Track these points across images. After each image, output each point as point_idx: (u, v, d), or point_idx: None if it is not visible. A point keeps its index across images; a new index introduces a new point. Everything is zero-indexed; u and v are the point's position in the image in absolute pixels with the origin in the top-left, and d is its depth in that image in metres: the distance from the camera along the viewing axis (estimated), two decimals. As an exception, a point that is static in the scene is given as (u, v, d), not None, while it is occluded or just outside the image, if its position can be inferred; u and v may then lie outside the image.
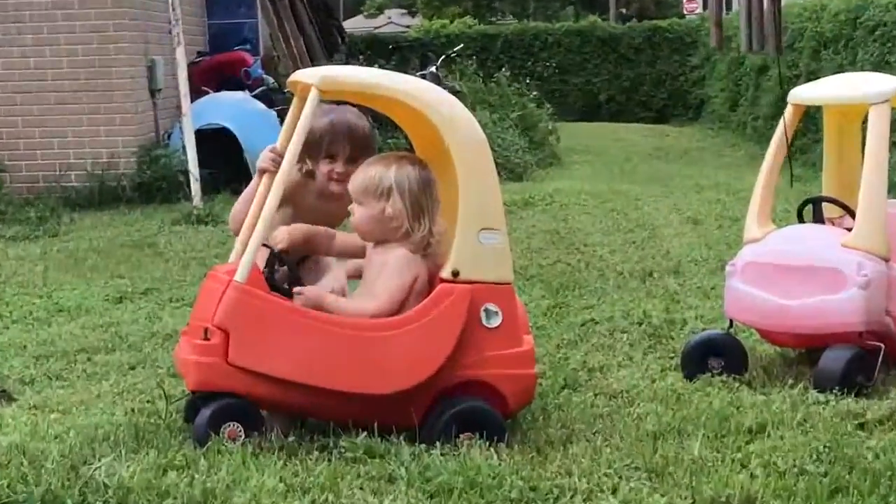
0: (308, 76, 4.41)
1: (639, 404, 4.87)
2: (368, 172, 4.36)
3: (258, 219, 4.28)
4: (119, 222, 10.75)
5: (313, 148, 4.65)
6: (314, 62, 13.26)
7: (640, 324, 6.29)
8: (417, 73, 13.27)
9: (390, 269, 4.31)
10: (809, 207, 5.58)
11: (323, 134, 4.64)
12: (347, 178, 4.51)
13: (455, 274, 4.27)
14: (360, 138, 4.72)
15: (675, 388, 5.09)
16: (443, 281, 4.28)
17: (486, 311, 4.30)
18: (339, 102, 4.80)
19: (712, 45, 15.99)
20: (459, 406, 4.24)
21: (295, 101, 4.52)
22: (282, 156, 4.38)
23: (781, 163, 5.53)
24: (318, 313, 4.25)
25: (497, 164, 4.58)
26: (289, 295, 4.29)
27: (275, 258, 4.37)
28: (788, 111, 5.50)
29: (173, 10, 10.84)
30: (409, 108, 4.37)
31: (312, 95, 4.28)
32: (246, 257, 4.22)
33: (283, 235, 4.39)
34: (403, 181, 4.32)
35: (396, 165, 4.35)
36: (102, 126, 12.17)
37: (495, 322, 4.32)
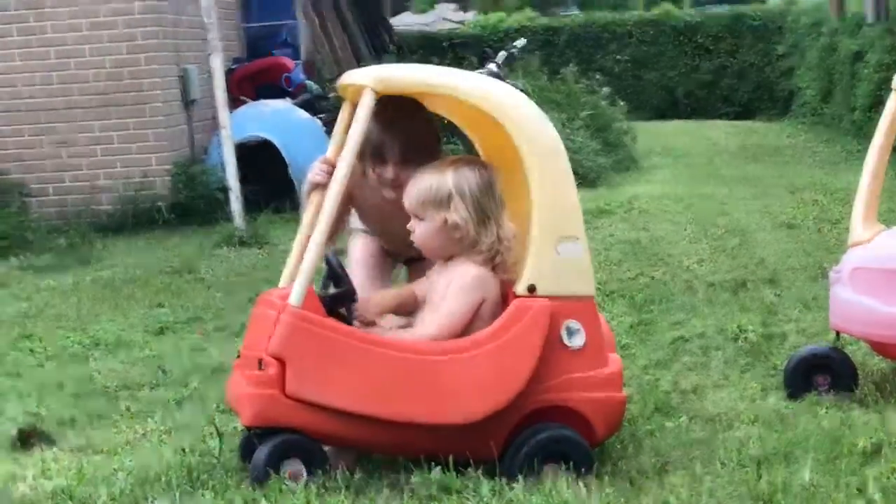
0: (360, 77, 4.44)
1: (739, 428, 4.86)
2: (423, 183, 4.38)
3: (309, 237, 4.32)
4: (155, 247, 10.87)
5: (361, 152, 4.64)
6: (361, 64, 13.35)
7: (736, 340, 6.29)
8: (476, 73, 13.30)
9: (455, 288, 4.33)
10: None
11: (369, 135, 4.46)
12: (401, 183, 4.51)
13: (531, 289, 4.28)
14: (412, 136, 4.60)
15: (778, 408, 5.08)
16: (518, 297, 4.30)
17: (568, 328, 4.31)
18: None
19: (832, 14, 15.65)
20: (542, 434, 4.25)
21: (345, 106, 4.56)
22: (335, 166, 4.41)
23: (887, 157, 5.50)
24: (382, 338, 4.28)
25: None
26: (347, 320, 4.33)
27: (330, 279, 4.40)
28: (892, 100, 5.46)
29: (207, 14, 10.92)
30: (472, 108, 4.39)
31: (366, 97, 4.30)
32: (300, 279, 4.25)
33: (376, 308, 4.44)
34: (463, 185, 4.34)
35: (453, 169, 4.36)
36: (134, 143, 12.26)
37: (578, 341, 4.32)
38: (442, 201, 4.33)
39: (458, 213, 4.31)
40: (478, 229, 4.32)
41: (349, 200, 4.64)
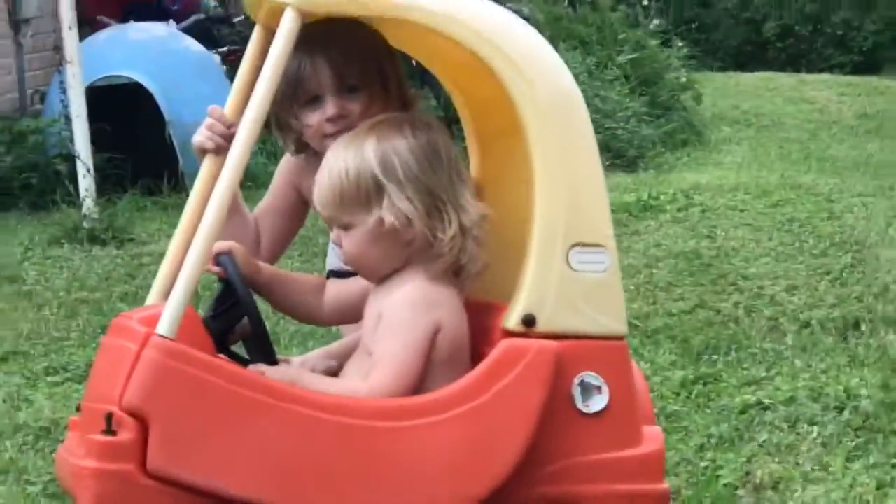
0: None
1: (842, 546, 4.89)
2: (335, 169, 4.33)
3: (192, 233, 4.31)
4: (-41, 242, 10.87)
5: (287, 100, 4.70)
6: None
7: (841, 409, 6.32)
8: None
9: (388, 321, 4.30)
10: None
11: (289, 72, 4.53)
12: (347, 113, 4.65)
13: (528, 321, 4.27)
14: (350, 51, 4.69)
15: (903, 517, 5.11)
16: (507, 334, 4.29)
17: (583, 384, 4.31)
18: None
19: None
20: (539, 545, 4.27)
21: (257, 32, 4.55)
22: (233, 126, 4.41)
23: None
24: (301, 391, 4.27)
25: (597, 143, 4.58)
26: (246, 358, 4.33)
27: (227, 296, 4.39)
28: None
29: None
30: (448, 41, 4.39)
31: (287, 21, 4.30)
32: (175, 296, 4.24)
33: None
34: (391, 160, 4.30)
35: (375, 139, 4.32)
36: (-68, 81, 12.31)
37: (598, 404, 4.33)
38: (367, 193, 4.31)
39: (398, 205, 4.29)
40: (429, 223, 4.30)
41: (291, 203, 4.67)
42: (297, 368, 4.41)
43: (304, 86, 4.70)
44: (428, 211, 4.28)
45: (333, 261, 5.10)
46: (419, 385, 4.26)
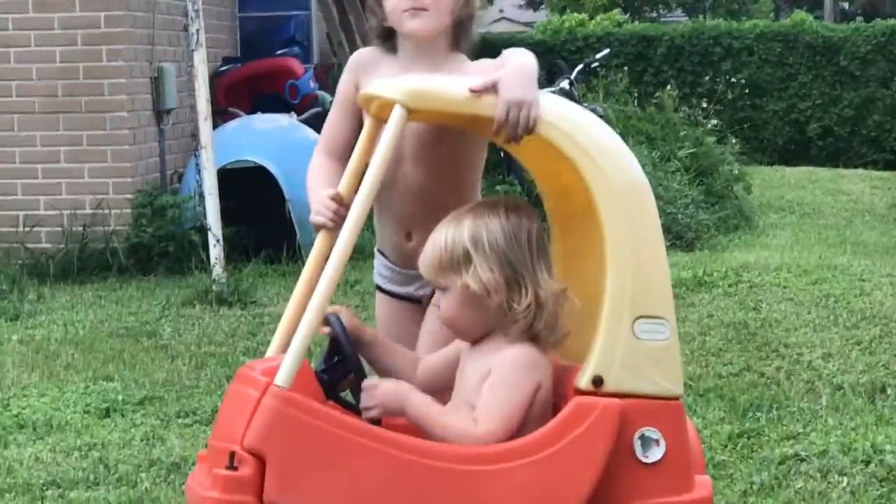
0: (388, 89, 4.46)
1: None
2: (437, 239, 4.36)
3: (307, 297, 4.33)
4: (107, 301, 10.92)
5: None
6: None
7: (868, 463, 6.26)
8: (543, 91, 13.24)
9: (499, 377, 4.29)
10: None
11: None
12: (425, 7, 4.65)
13: (597, 382, 4.27)
14: None
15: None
16: (579, 392, 4.28)
17: (643, 438, 4.30)
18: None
19: None
20: (603, 579, 4.24)
21: (368, 125, 4.57)
22: (347, 206, 4.42)
23: None
24: (397, 436, 4.27)
25: (660, 224, 4.57)
26: (355, 407, 4.33)
27: (333, 353, 4.40)
28: None
29: (192, -3, 11.01)
30: (534, 136, 4.40)
31: (395, 115, 4.32)
32: (292, 351, 4.26)
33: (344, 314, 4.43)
34: (481, 236, 4.31)
35: (471, 219, 4.34)
36: (86, 163, 12.34)
37: (656, 455, 4.31)
38: (458, 261, 4.32)
39: (480, 275, 4.29)
40: (509, 292, 4.30)
41: (352, 98, 4.80)
42: (408, 386, 4.35)
43: None
44: (508, 282, 4.29)
45: (378, 279, 5.09)
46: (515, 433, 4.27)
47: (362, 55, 4.92)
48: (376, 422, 4.34)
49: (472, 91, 4.34)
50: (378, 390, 4.29)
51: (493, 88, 4.34)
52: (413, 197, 4.79)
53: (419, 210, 4.74)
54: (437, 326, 4.58)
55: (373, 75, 4.75)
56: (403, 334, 4.91)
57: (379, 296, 5.06)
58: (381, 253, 5.02)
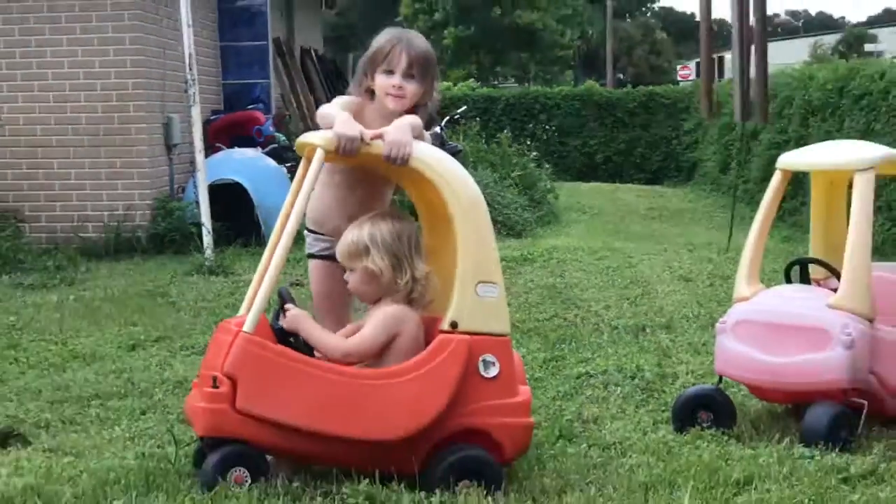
0: (313, 138, 4.43)
1: (631, 456, 4.85)
2: (347, 238, 4.42)
3: (269, 267, 4.29)
4: (133, 272, 10.77)
5: (374, 62, 4.59)
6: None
7: (633, 377, 6.26)
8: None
9: (372, 321, 4.36)
10: (796, 269, 5.59)
11: (383, 48, 4.56)
12: (404, 96, 4.53)
13: (454, 325, 4.28)
14: (419, 55, 4.59)
15: (665, 440, 5.07)
16: (442, 332, 4.29)
17: (484, 361, 4.31)
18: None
19: (703, 116, 15.83)
20: (458, 454, 4.23)
21: (303, 162, 4.54)
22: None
23: (770, 225, 5.56)
24: (322, 363, 4.25)
25: (497, 222, 4.59)
26: (299, 347, 4.30)
27: (282, 310, 4.37)
28: (777, 177, 5.52)
29: (190, 70, 10.88)
30: (411, 171, 4.39)
31: (318, 156, 4.32)
32: (254, 309, 4.23)
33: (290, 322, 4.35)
34: (376, 235, 4.37)
35: (370, 224, 4.41)
36: (119, 180, 12.22)
37: (493, 372, 4.32)
38: (360, 252, 4.36)
39: (375, 261, 4.32)
40: (395, 273, 4.33)
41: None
42: (305, 314, 4.33)
43: (388, 60, 4.59)
44: (393, 267, 4.33)
45: (312, 250, 4.80)
46: (382, 362, 4.28)
47: (350, 102, 4.63)
48: (311, 352, 4.32)
49: (371, 138, 4.34)
50: (288, 315, 4.31)
51: (381, 136, 4.34)
52: (360, 202, 4.68)
53: (361, 209, 4.63)
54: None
55: (359, 110, 4.61)
56: (334, 283, 4.68)
57: (313, 262, 4.88)
58: (314, 231, 4.80)
